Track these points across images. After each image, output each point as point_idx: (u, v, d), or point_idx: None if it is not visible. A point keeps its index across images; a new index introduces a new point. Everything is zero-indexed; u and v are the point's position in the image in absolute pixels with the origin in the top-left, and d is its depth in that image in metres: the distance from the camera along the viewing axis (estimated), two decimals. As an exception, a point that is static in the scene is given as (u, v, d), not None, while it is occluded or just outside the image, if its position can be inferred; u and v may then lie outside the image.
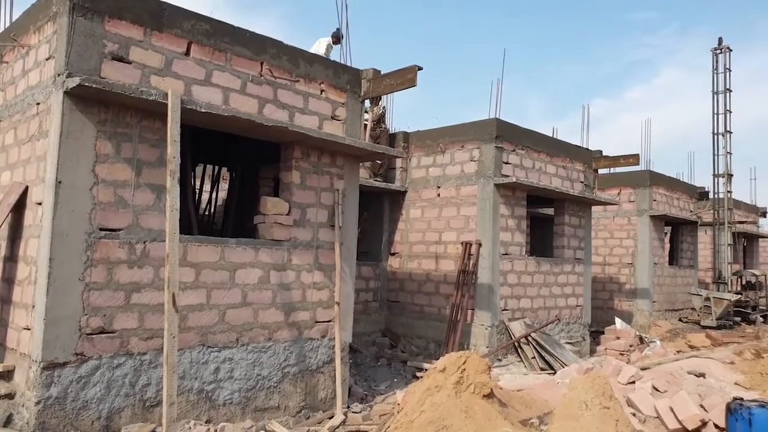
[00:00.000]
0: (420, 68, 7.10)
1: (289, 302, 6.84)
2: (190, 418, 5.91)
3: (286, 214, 6.84)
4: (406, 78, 7.20)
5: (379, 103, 12.35)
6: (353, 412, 6.97)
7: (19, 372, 5.42)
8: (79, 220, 5.25)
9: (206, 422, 6.03)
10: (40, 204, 5.35)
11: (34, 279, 5.29)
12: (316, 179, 7.15)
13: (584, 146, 12.90)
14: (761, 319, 17.06)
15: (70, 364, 5.19)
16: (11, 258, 5.88)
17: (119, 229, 5.52)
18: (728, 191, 16.97)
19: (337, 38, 12.09)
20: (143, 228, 5.67)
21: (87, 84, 4.99)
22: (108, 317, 5.43)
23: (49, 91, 5.40)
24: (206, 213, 10.71)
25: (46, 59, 5.54)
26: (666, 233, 17.41)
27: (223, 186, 11.49)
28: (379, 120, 12.15)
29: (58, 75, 5.22)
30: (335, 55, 11.92)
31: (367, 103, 11.31)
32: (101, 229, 5.40)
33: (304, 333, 6.99)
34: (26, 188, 5.70)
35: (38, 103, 5.62)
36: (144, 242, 5.67)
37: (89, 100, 5.30)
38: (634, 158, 12.56)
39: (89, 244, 5.31)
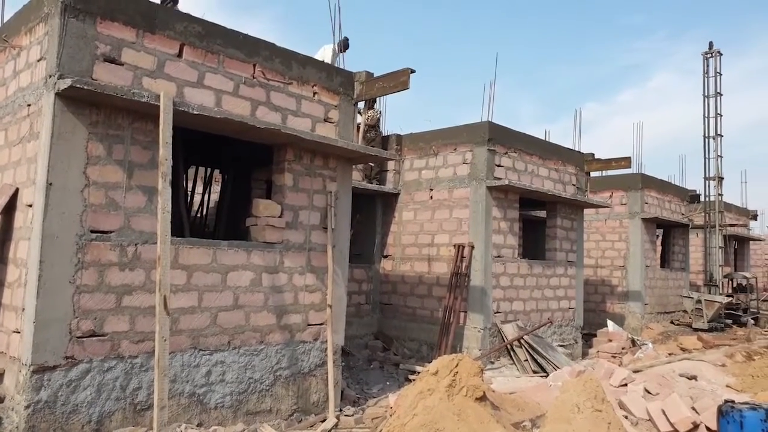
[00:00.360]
0: (413, 71, 7.10)
1: (281, 305, 6.82)
2: (181, 421, 5.88)
3: (279, 217, 6.82)
4: (399, 81, 7.20)
5: (375, 106, 12.35)
6: (345, 416, 6.95)
7: (9, 376, 5.37)
8: (69, 222, 5.22)
9: (198, 426, 5.99)
10: (30, 206, 5.31)
11: (24, 281, 5.25)
12: (308, 181, 7.14)
13: (576, 149, 12.96)
14: (752, 321, 17.16)
15: (60, 368, 5.15)
16: (1, 260, 5.83)
17: (110, 232, 5.48)
18: (719, 194, 17.08)
19: (344, 46, 12.09)
20: (135, 230, 5.64)
21: (79, 85, 4.96)
22: (99, 320, 5.39)
23: (40, 92, 5.36)
24: (198, 215, 10.67)
25: (38, 60, 5.50)
26: (657, 236, 17.49)
27: (216, 188, 11.45)
28: (375, 125, 12.15)
29: (50, 76, 5.18)
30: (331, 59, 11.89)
31: (361, 105, 11.32)
32: (92, 231, 5.36)
33: (297, 336, 6.96)
34: (17, 190, 5.66)
35: (29, 105, 5.58)
36: (135, 244, 5.64)
37: (81, 101, 5.27)
38: (625, 161, 12.61)
39: (80, 247, 5.27)
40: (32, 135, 5.48)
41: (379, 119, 12.33)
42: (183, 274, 5.97)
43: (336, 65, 10.42)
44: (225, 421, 6.24)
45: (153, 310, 5.47)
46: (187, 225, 7.94)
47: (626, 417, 6.86)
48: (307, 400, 7.03)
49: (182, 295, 5.95)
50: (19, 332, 5.23)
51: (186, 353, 5.98)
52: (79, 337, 5.26)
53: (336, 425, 6.63)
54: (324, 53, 11.90)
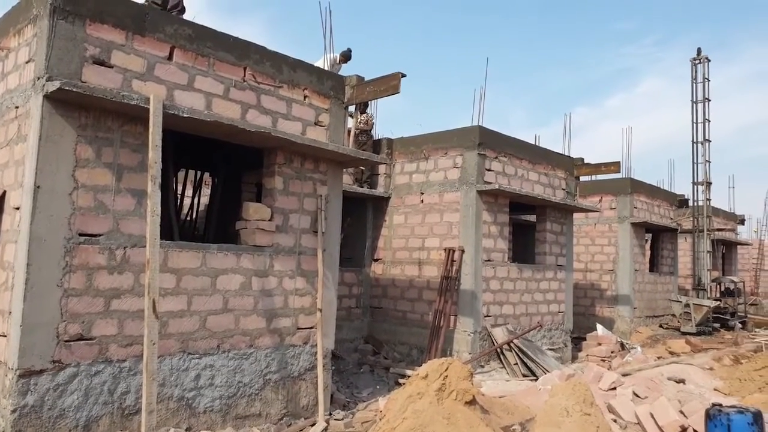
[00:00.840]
0: (403, 75, 7.11)
1: (271, 309, 6.80)
2: (169, 426, 5.85)
3: (269, 220, 6.81)
4: (389, 85, 7.21)
5: (367, 110, 12.35)
6: (335, 420, 6.94)
7: (-5, 380, 5.32)
8: (57, 225, 5.18)
9: (186, 430, 5.96)
10: (17, 209, 5.27)
11: (11, 285, 5.20)
12: (299, 185, 7.13)
13: (566, 154, 13.03)
14: (740, 325, 17.29)
15: (47, 372, 5.11)
16: (-12, 263, 5.78)
17: (99, 235, 5.45)
18: (707, 199, 17.21)
19: (345, 57, 12.07)
20: (124, 233, 5.61)
21: (67, 88, 4.93)
22: (87, 324, 5.35)
23: (28, 94, 5.33)
24: (188, 218, 10.62)
25: (26, 62, 5.47)
26: (647, 240, 17.60)
27: (206, 191, 11.41)
28: (368, 131, 12.15)
29: (38, 78, 5.15)
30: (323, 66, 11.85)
31: (352, 108, 11.32)
32: (81, 235, 5.33)
33: (286, 340, 6.95)
34: (4, 192, 5.61)
35: (17, 107, 5.55)
36: (124, 248, 5.60)
37: (69, 104, 5.24)
38: (615, 166, 12.68)
39: (68, 250, 5.24)
40: (20, 137, 5.44)
41: (373, 124, 12.35)
42: (172, 277, 5.94)
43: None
44: (214, 425, 6.21)
45: (142, 313, 5.44)
46: (176, 228, 7.90)
47: (615, 420, 6.90)
48: (297, 404, 7.01)
49: (171, 298, 5.93)
50: (5, 336, 5.18)
51: (175, 357, 5.95)
52: (66, 341, 5.22)
53: (326, 429, 6.62)
54: (323, 62, 11.89)
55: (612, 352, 12.24)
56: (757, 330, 17.26)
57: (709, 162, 17.01)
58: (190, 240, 7.96)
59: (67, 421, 5.21)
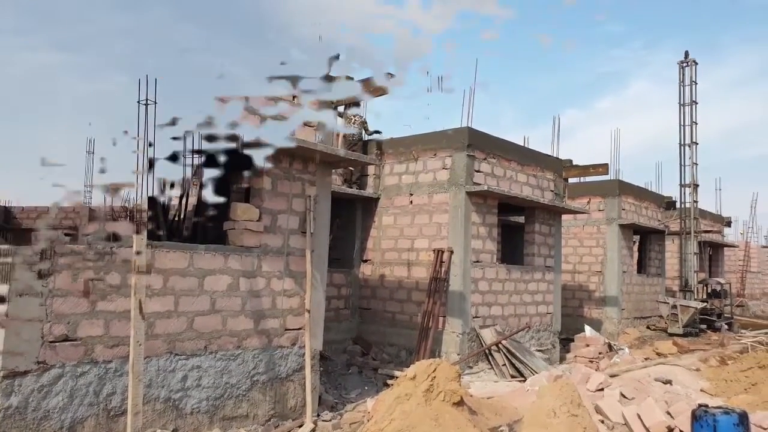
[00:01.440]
0: (392, 75, 7.12)
1: (259, 309, 6.77)
2: (156, 427, 5.80)
3: (257, 221, 6.78)
4: (379, 85, 7.21)
5: (361, 112, 12.33)
6: (323, 421, 6.92)
7: (-22, 381, 5.26)
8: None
9: (173, 431, 5.92)
10: (2, 208, 5.22)
11: (-6, 285, 5.14)
12: (287, 185, 7.11)
13: (555, 155, 13.08)
14: (726, 326, 17.42)
15: (31, 373, 5.05)
16: (-29, 263, 5.71)
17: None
18: (694, 201, 17.33)
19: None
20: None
21: (53, 86, 4.89)
22: (72, 324, 5.30)
23: (13, 92, 5.27)
24: (175, 219, 10.54)
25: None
26: (634, 242, 17.70)
27: (193, 191, 11.33)
28: (359, 140, 12.14)
29: (23, 76, 5.10)
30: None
31: (341, 108, 11.30)
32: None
33: (274, 341, 6.92)
34: (-12, 192, 5.56)
35: None
36: (111, 248, 5.55)
37: (55, 102, 5.20)
38: (603, 168, 12.77)
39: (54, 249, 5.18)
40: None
41: (367, 127, 12.36)
42: (159, 278, 5.90)
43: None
44: (201, 426, 6.17)
45: (128, 314, 5.39)
46: (163, 228, 7.84)
47: (602, 421, 6.93)
48: (285, 405, 6.98)
49: (158, 299, 5.88)
50: (-11, 337, 5.12)
51: (162, 358, 5.90)
52: (51, 342, 5.17)
53: (313, 430, 6.60)
54: None
55: (600, 353, 12.29)
56: (743, 331, 17.39)
57: (697, 164, 17.14)
58: (178, 240, 7.89)
59: (51, 422, 5.15)
